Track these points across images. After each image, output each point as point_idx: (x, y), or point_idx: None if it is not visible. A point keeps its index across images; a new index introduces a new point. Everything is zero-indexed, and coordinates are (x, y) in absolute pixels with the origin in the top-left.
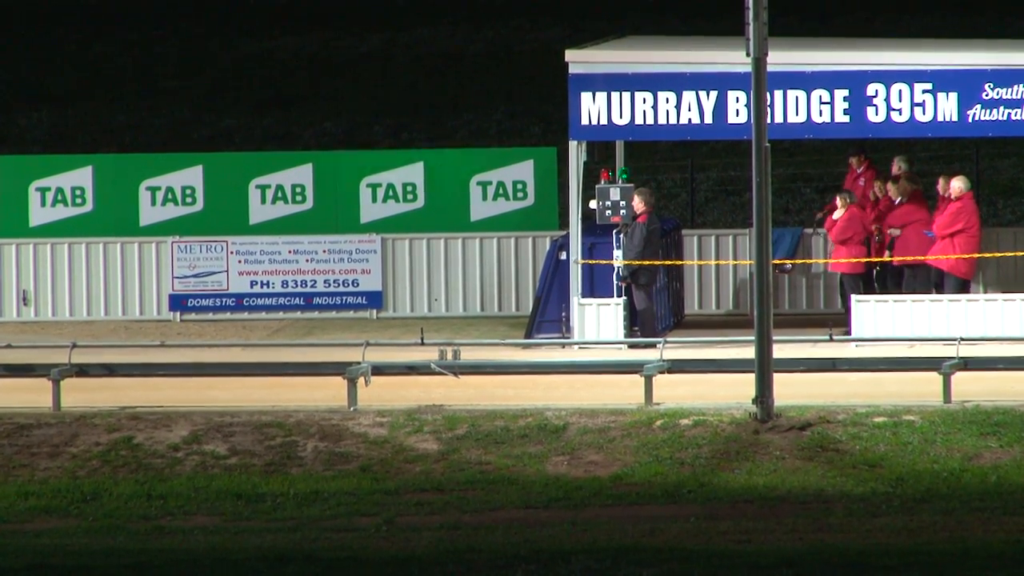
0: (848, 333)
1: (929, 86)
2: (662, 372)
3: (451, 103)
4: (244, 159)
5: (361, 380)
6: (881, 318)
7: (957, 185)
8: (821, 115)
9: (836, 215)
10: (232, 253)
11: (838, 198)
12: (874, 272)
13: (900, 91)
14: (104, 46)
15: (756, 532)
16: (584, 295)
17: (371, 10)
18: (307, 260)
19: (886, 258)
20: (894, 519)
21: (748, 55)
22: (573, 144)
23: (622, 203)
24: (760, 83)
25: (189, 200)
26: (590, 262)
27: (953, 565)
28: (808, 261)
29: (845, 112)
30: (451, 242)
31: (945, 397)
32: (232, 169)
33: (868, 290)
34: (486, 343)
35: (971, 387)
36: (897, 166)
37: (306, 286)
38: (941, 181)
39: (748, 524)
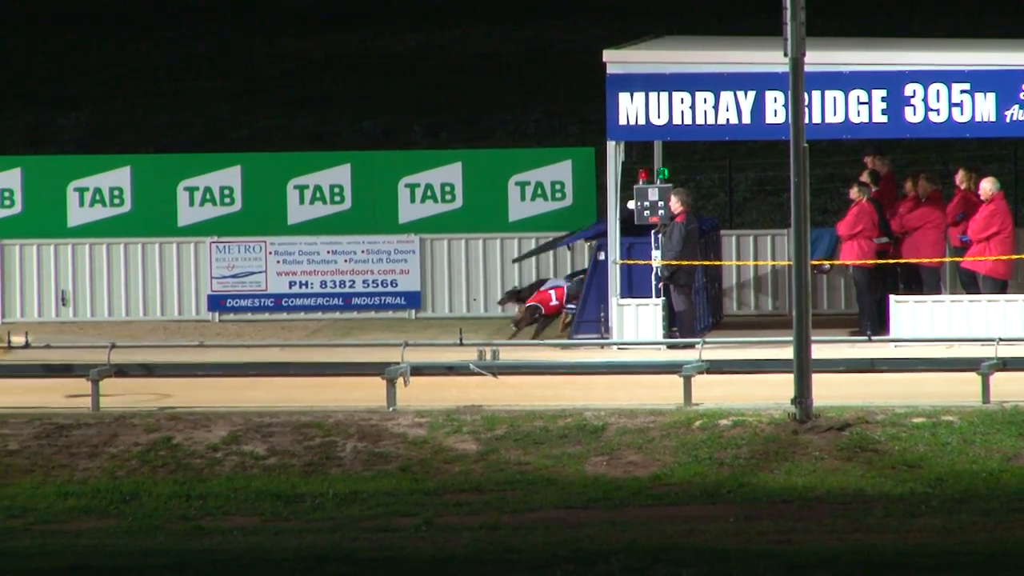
0: (862, 332)
1: (967, 86)
2: (701, 372)
3: (489, 103)
4: (282, 159)
5: (400, 380)
6: (920, 318)
7: (987, 187)
8: (859, 115)
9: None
10: (271, 253)
11: (854, 189)
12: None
13: (938, 91)
14: (141, 47)
15: (795, 532)
16: (623, 295)
17: (409, 10)
18: (345, 260)
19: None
20: (933, 519)
21: (786, 55)
22: (611, 144)
23: (660, 203)
24: (798, 83)
25: (227, 200)
26: (629, 262)
27: (992, 565)
28: (846, 262)
29: (883, 112)
30: (489, 242)
31: (984, 397)
32: (270, 169)
33: (881, 286)
34: (525, 343)
35: (1010, 387)
36: (872, 163)
37: (345, 286)
38: (961, 173)
39: (787, 524)
